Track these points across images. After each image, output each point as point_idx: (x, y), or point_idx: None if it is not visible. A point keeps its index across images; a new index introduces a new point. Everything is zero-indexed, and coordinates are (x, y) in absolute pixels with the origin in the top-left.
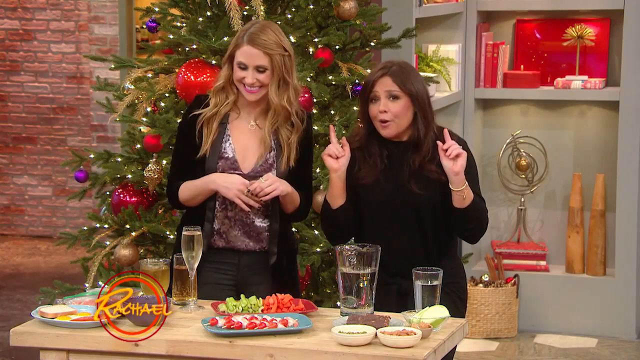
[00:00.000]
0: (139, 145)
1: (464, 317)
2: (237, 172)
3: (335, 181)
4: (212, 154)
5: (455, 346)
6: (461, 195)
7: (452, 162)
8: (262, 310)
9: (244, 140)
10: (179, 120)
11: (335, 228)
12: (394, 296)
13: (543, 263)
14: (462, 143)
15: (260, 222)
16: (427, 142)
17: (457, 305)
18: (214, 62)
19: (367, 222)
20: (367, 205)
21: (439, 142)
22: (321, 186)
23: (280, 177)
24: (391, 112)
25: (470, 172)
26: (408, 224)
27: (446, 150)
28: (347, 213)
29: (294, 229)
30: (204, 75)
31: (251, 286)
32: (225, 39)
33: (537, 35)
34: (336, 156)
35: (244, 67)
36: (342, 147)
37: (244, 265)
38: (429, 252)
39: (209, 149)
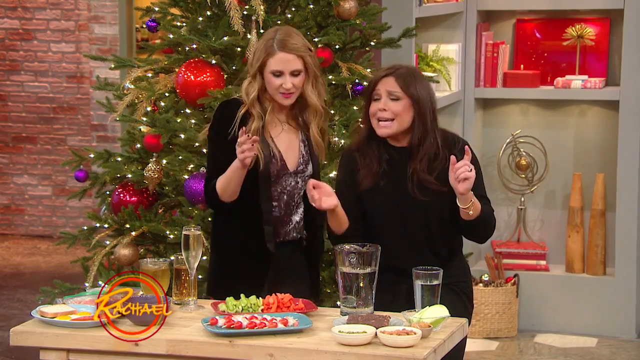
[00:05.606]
0: (139, 145)
1: (470, 316)
2: (285, 171)
3: (338, 214)
4: (262, 159)
5: (464, 348)
6: (467, 211)
7: (458, 183)
8: (262, 310)
9: (283, 141)
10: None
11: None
12: (403, 296)
13: (543, 263)
14: (463, 144)
15: (295, 216)
16: (423, 150)
17: (465, 304)
18: (214, 61)
19: (375, 228)
20: (373, 212)
21: (452, 157)
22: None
23: (317, 168)
24: (391, 111)
25: (476, 173)
26: (416, 229)
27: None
28: (353, 233)
29: None
30: (204, 75)
31: (286, 273)
32: (226, 38)
33: (537, 35)
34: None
35: (279, 75)
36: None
37: (282, 255)
38: (439, 253)
39: (261, 156)
